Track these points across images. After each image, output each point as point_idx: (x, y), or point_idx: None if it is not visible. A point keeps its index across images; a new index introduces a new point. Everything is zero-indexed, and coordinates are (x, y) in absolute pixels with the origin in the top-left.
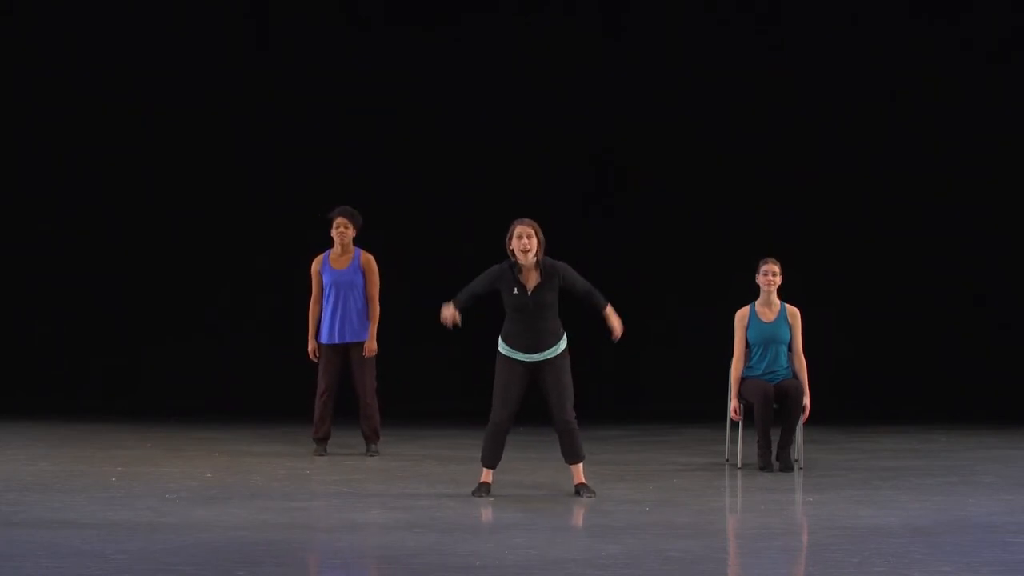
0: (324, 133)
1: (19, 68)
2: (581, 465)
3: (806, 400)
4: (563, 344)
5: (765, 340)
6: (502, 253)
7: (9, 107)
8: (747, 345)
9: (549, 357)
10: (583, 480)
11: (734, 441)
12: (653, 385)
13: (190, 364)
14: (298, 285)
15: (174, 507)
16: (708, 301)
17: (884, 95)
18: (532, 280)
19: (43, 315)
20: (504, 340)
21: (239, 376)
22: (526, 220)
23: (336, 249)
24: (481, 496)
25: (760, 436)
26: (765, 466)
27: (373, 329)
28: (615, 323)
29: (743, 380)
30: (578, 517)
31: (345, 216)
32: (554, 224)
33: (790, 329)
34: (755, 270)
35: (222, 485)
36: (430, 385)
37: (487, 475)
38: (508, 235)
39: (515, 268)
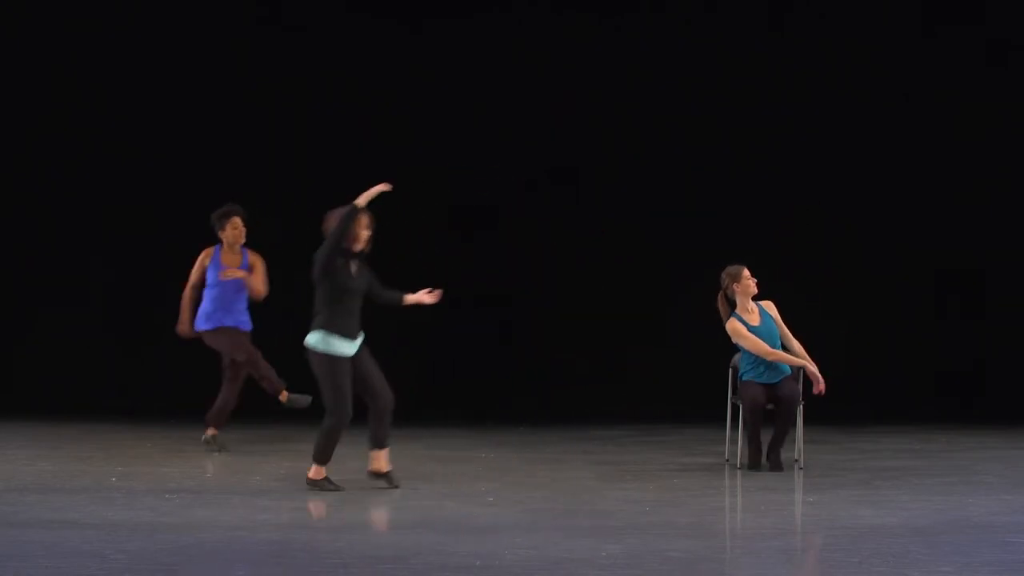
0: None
1: None
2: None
3: (816, 372)
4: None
5: (770, 340)
6: (502, 253)
7: None
8: (743, 352)
9: (360, 346)
10: (389, 467)
11: (734, 441)
12: (653, 385)
13: (190, 364)
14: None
15: (174, 507)
16: (708, 301)
17: (896, 95)
18: (355, 266)
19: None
20: (327, 329)
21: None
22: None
23: (225, 246)
24: (335, 489)
25: (750, 438)
26: (753, 466)
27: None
28: (422, 296)
29: (744, 382)
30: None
31: (240, 215)
32: (552, 225)
33: (775, 322)
34: (726, 282)
35: (222, 485)
36: (431, 385)
37: (323, 471)
38: (347, 222)
39: (345, 253)
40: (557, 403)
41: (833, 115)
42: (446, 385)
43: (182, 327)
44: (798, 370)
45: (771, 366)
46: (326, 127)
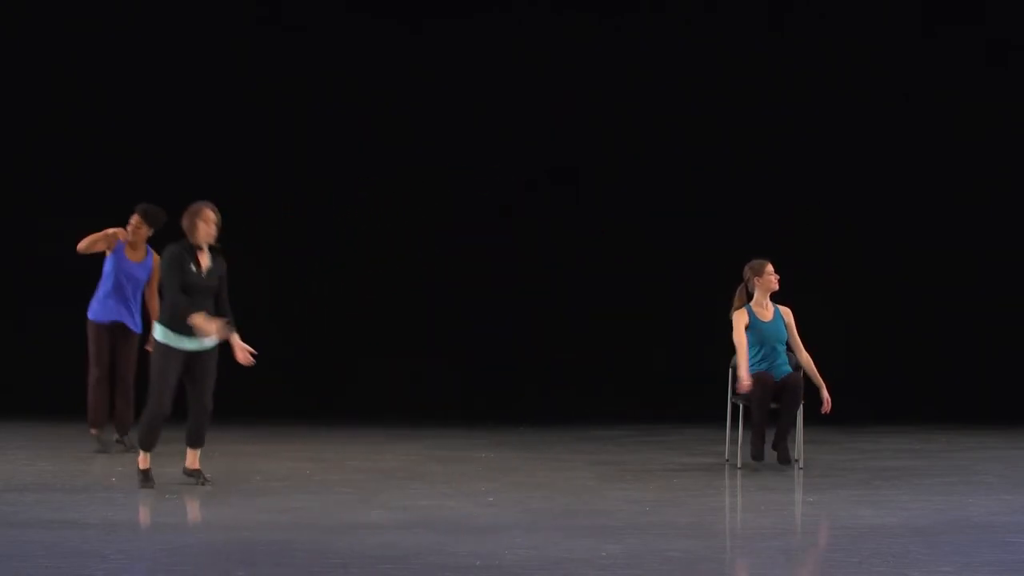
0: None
1: None
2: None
3: (825, 393)
4: None
5: (766, 339)
6: (501, 253)
7: None
8: (756, 343)
9: (210, 347)
10: (199, 466)
11: (734, 441)
12: (653, 385)
13: None
14: (297, 284)
15: (174, 507)
16: (709, 301)
17: (898, 96)
18: (205, 261)
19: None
20: (167, 323)
21: (238, 376)
22: (211, 204)
23: (130, 242)
24: (146, 486)
25: (755, 425)
26: (756, 455)
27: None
28: (238, 350)
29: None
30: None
31: (140, 214)
32: (552, 224)
33: (786, 327)
34: (748, 275)
35: (222, 485)
36: (429, 385)
37: (147, 459)
38: (192, 217)
39: (191, 249)
40: (557, 403)
41: (833, 115)
42: (446, 385)
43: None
44: (799, 368)
45: (769, 363)
46: (326, 127)
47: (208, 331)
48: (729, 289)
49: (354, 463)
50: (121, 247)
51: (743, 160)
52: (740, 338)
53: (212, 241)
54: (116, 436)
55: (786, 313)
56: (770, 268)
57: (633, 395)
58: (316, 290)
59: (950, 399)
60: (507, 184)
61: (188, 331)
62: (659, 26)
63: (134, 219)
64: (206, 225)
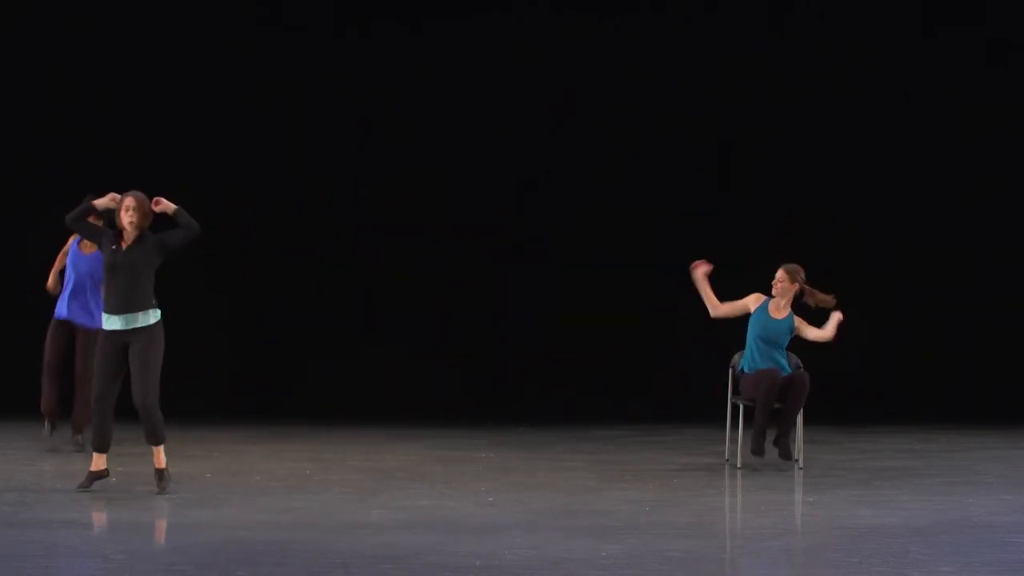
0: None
1: None
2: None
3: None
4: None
5: (766, 336)
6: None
7: None
8: (746, 343)
9: (142, 326)
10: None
11: (734, 441)
12: (653, 385)
13: (190, 364)
14: (296, 283)
15: (174, 507)
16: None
17: (898, 96)
18: (128, 242)
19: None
20: (103, 304)
21: (238, 376)
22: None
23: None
24: (83, 486)
25: (759, 420)
26: (757, 450)
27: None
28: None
29: (748, 374)
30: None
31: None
32: (551, 224)
33: (790, 332)
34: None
35: (222, 485)
36: (429, 385)
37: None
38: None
39: (117, 234)
40: (557, 403)
41: (833, 115)
42: (446, 385)
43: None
44: (799, 368)
45: (768, 360)
46: (326, 127)
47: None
48: (729, 288)
49: (354, 463)
50: (74, 246)
51: (743, 160)
52: (718, 303)
53: (131, 228)
54: (73, 436)
55: (798, 322)
56: (777, 275)
57: (633, 395)
58: (316, 290)
59: (950, 399)
60: (507, 184)
61: (108, 309)
62: (659, 26)
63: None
64: (123, 213)
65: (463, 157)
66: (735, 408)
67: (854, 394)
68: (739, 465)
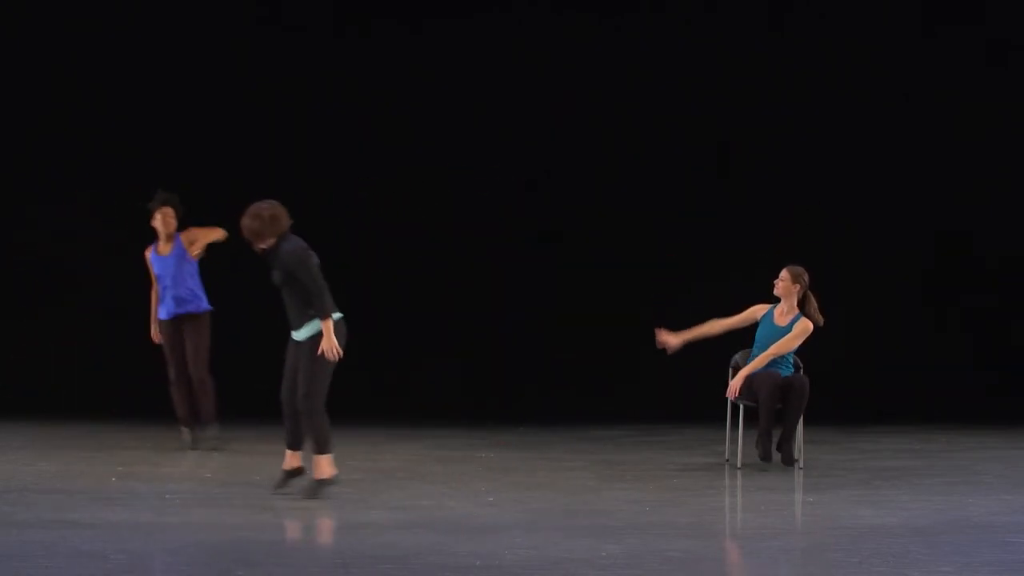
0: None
1: None
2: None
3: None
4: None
5: (768, 341)
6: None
7: None
8: (754, 343)
9: (305, 336)
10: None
11: (734, 441)
12: (653, 385)
13: None
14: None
15: (174, 507)
16: (709, 301)
17: (898, 96)
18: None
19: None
20: None
21: (238, 376)
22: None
23: (161, 238)
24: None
25: (763, 425)
26: (765, 455)
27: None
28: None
29: (751, 375)
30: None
31: (170, 205)
32: (551, 224)
33: (791, 329)
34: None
35: (222, 485)
36: (429, 385)
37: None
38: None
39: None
40: (557, 403)
41: (833, 115)
42: (446, 385)
43: (154, 334)
44: (798, 369)
45: (771, 363)
46: (326, 127)
47: None
48: (729, 288)
49: (354, 463)
50: (153, 252)
51: (743, 160)
52: (728, 320)
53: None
54: (203, 430)
55: (802, 323)
56: (782, 273)
57: (633, 395)
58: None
59: (950, 399)
60: (507, 184)
61: (289, 322)
62: (659, 26)
63: (164, 210)
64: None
65: (463, 157)
66: (735, 408)
67: (854, 394)
68: (739, 465)
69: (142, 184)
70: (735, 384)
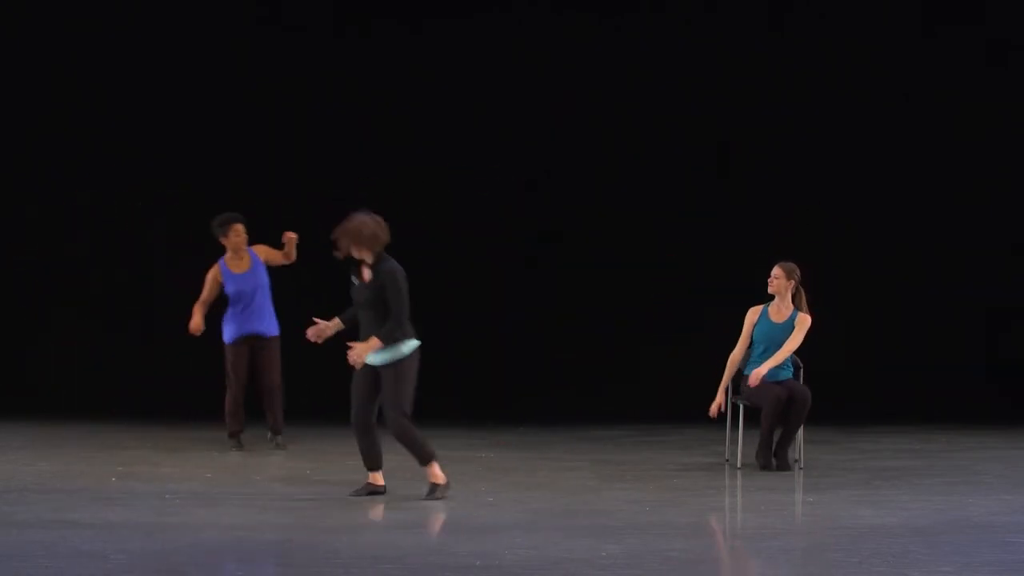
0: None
1: None
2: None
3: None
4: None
5: (769, 339)
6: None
7: None
8: (752, 342)
9: (385, 359)
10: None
11: (734, 441)
12: (653, 385)
13: (190, 365)
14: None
15: (174, 507)
16: (709, 301)
17: (898, 96)
18: (365, 276)
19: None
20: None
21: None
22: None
23: (229, 254)
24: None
25: (764, 436)
26: (765, 464)
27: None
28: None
29: (743, 377)
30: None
31: (240, 222)
32: (551, 224)
33: (793, 328)
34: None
35: (222, 485)
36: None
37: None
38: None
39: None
40: (557, 403)
41: (833, 115)
42: (446, 385)
43: (195, 324)
44: (798, 370)
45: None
46: (326, 127)
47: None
48: (729, 288)
49: (354, 463)
50: (225, 267)
51: (743, 160)
52: (740, 343)
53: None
54: (273, 438)
55: (802, 319)
56: (773, 271)
57: (633, 395)
58: (316, 290)
59: (950, 399)
60: (507, 184)
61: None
62: (659, 26)
63: (236, 227)
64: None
65: (463, 157)
66: (735, 408)
67: (854, 394)
68: (739, 465)
69: (142, 184)
70: (719, 400)
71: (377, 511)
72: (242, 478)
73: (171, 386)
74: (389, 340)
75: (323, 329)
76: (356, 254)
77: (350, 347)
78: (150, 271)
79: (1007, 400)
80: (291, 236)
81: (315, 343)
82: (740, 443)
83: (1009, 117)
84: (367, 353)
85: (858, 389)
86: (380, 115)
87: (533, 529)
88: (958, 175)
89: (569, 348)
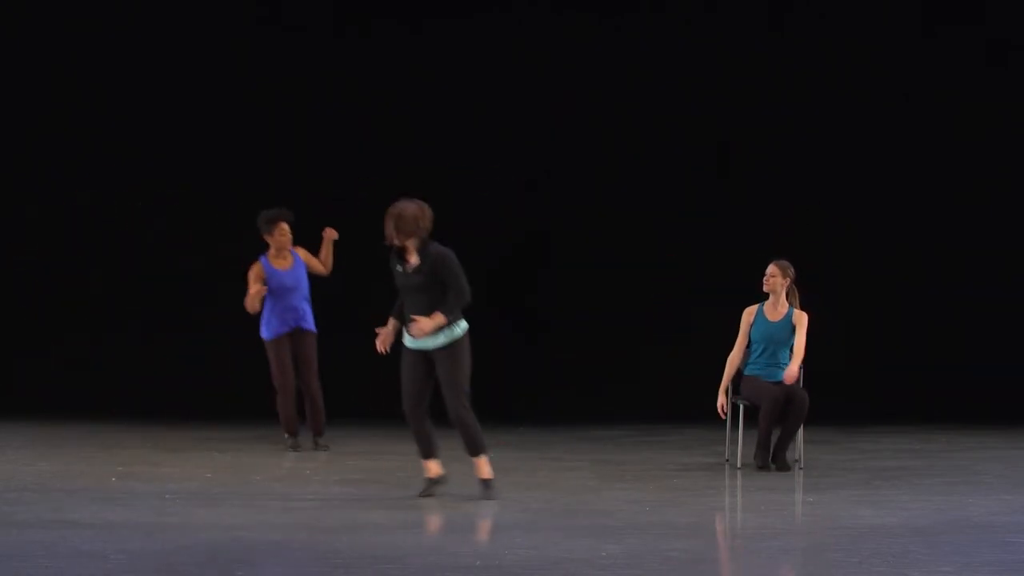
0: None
1: None
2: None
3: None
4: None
5: (767, 339)
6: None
7: None
8: (750, 342)
9: (440, 343)
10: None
11: (734, 441)
12: (653, 385)
13: (190, 365)
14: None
15: (174, 507)
16: (709, 301)
17: (898, 96)
18: (412, 261)
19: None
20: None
21: (238, 376)
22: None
23: (272, 251)
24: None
25: (762, 436)
26: (763, 465)
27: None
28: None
29: (751, 380)
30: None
31: (288, 220)
32: (551, 225)
33: (793, 331)
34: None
35: (222, 485)
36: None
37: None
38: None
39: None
40: (557, 403)
41: (833, 115)
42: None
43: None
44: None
45: (770, 362)
46: (326, 127)
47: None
48: (729, 288)
49: (354, 463)
50: (268, 264)
51: (743, 160)
52: (738, 345)
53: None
54: (314, 440)
55: (798, 317)
56: (768, 270)
57: (633, 395)
58: (315, 290)
59: (950, 399)
60: (507, 184)
61: (406, 327)
62: (659, 26)
63: (282, 226)
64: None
65: (463, 157)
66: (735, 408)
67: (854, 394)
68: (739, 465)
69: (142, 184)
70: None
71: (377, 511)
72: (242, 478)
73: (171, 386)
74: (453, 315)
75: (387, 336)
76: (397, 241)
77: (413, 320)
78: (150, 271)
79: (1007, 400)
80: (331, 234)
81: (382, 353)
82: (740, 443)
83: (1009, 117)
84: (432, 328)
85: (858, 389)
86: (380, 115)
87: (533, 529)
88: (958, 175)
89: (569, 348)
